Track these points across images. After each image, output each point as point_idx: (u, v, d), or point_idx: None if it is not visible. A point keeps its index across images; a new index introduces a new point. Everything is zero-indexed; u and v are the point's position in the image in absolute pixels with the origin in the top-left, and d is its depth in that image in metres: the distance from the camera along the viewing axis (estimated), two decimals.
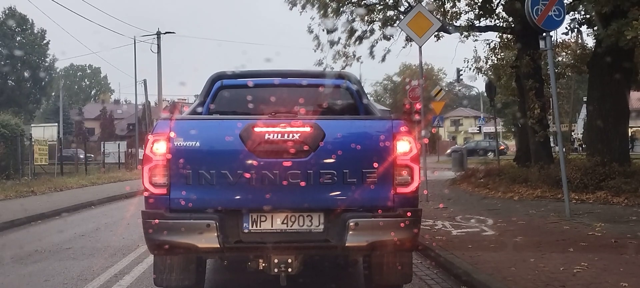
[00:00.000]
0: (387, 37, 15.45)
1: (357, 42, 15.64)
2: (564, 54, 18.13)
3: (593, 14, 11.18)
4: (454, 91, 63.74)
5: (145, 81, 35.43)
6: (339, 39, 15.64)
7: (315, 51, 16.07)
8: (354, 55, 15.84)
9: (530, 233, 7.13)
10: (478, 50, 19.40)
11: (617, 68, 10.76)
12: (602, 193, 10.13)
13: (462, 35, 14.82)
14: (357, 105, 4.95)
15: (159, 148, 3.68)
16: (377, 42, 15.56)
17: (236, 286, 5.33)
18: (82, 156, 28.50)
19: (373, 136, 3.84)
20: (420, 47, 10.98)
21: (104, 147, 33.39)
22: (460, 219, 8.56)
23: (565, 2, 9.16)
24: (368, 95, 5.35)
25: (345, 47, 15.80)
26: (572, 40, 17.66)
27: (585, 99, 21.10)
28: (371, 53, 15.74)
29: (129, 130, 53.27)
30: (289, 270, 3.81)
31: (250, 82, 5.02)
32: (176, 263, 4.19)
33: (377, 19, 15.42)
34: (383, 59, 15.99)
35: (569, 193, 8.42)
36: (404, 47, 17.03)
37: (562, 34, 16.88)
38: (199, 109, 4.90)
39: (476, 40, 15.82)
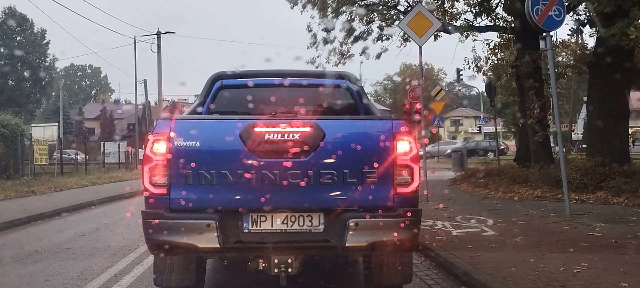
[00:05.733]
0: (383, 38, 15.49)
1: (353, 42, 15.69)
2: (564, 54, 18.15)
3: (594, 14, 11.18)
4: (454, 91, 63.70)
5: (145, 81, 35.39)
6: (335, 37, 15.71)
7: (309, 48, 16.14)
8: (349, 52, 15.91)
9: (531, 234, 7.13)
10: (478, 51, 19.41)
11: (617, 68, 10.76)
12: (602, 193, 10.13)
13: (463, 35, 14.82)
14: (357, 105, 4.94)
15: (159, 148, 3.68)
16: (375, 41, 15.61)
17: (236, 286, 5.32)
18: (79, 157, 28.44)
19: (373, 136, 3.84)
20: (420, 47, 10.97)
21: (104, 147, 33.33)
22: (460, 219, 8.56)
23: (565, 2, 9.15)
24: (368, 95, 5.34)
25: (341, 46, 15.86)
26: (572, 40, 17.69)
27: (585, 99, 21.10)
28: (364, 52, 15.79)
29: (129, 130, 53.24)
30: (289, 270, 3.81)
31: (250, 82, 5.01)
32: (176, 263, 4.19)
33: (375, 19, 15.43)
34: (378, 57, 16.06)
35: (569, 193, 8.41)
36: (397, 47, 17.12)
37: (567, 34, 16.89)
38: (199, 109, 4.89)
39: (475, 40, 15.86)
